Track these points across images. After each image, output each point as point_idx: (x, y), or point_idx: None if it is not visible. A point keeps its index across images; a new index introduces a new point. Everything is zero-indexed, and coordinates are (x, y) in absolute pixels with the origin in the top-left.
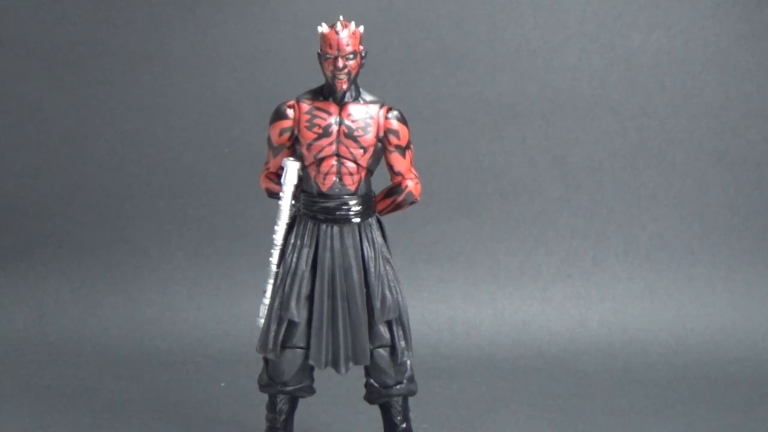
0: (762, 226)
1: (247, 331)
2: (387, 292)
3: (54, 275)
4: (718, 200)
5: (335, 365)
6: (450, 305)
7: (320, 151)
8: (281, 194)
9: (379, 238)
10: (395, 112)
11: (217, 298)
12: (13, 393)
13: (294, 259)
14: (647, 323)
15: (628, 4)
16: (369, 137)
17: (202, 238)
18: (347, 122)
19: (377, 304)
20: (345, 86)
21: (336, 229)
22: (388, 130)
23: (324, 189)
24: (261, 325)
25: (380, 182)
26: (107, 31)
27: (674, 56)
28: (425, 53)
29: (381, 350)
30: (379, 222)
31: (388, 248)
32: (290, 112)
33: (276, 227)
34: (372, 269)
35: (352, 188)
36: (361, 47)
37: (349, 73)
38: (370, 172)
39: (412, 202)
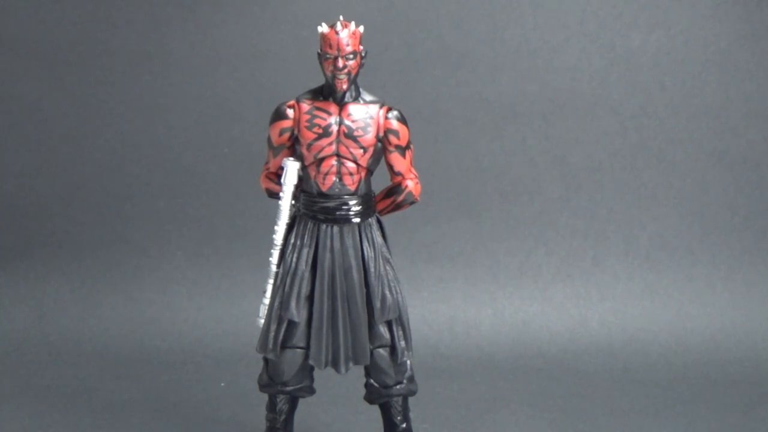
0: (762, 226)
1: (247, 331)
2: (387, 292)
3: (54, 275)
4: (718, 200)
5: (335, 365)
6: (450, 305)
7: (320, 151)
8: (281, 194)
9: (379, 238)
10: (395, 112)
11: (217, 298)
12: (13, 393)
13: (294, 259)
14: (647, 323)
15: (628, 4)
16: (369, 137)
17: (202, 238)
18: (347, 122)
19: (377, 304)
20: (345, 86)
21: (336, 229)
22: (388, 130)
23: (324, 189)
24: (261, 325)
25: (380, 182)
26: (107, 31)
27: (674, 56)
28: (425, 53)
29: (381, 350)
30: (379, 222)
31: (388, 248)
32: (290, 112)
33: (276, 227)
34: (372, 269)
35: (352, 188)
36: (361, 47)
37: (349, 73)
38: (370, 172)
39: (412, 202)
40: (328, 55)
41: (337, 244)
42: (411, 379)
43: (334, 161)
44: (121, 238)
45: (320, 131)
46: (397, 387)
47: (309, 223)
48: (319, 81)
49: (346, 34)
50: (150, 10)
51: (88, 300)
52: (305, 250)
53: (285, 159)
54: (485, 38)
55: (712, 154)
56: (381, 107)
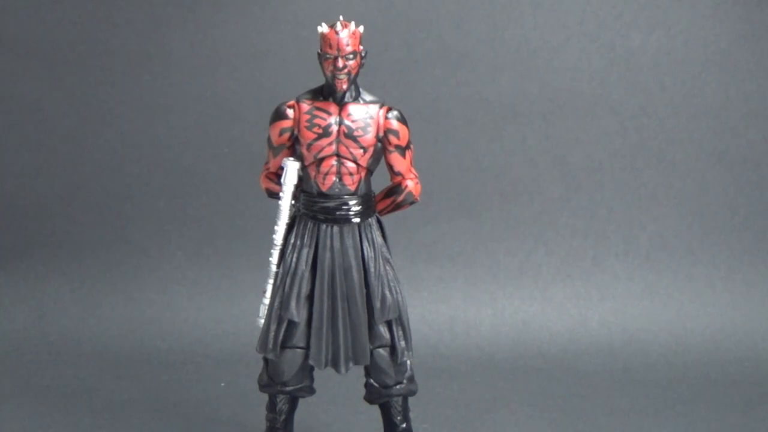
0: (762, 226)
1: (247, 331)
2: (387, 292)
3: (54, 275)
4: (718, 200)
5: (335, 365)
6: (450, 305)
7: (320, 151)
8: (281, 194)
9: (379, 238)
10: (395, 112)
11: (217, 298)
12: (13, 393)
13: (294, 259)
14: (647, 323)
15: (628, 4)
16: (369, 137)
17: (202, 238)
18: (347, 122)
19: (377, 304)
20: (345, 86)
21: (336, 229)
22: (388, 130)
23: (324, 189)
24: (261, 325)
25: (380, 182)
26: (107, 31)
27: (674, 56)
28: (425, 53)
29: (381, 350)
30: (379, 222)
31: (388, 248)
32: (290, 112)
33: (276, 227)
34: (372, 269)
35: (352, 188)
36: (361, 47)
37: (349, 73)
38: (370, 172)
39: (412, 202)
40: (328, 55)
41: (337, 244)
42: (411, 379)
43: (334, 161)
44: (121, 238)
45: (320, 131)
46: (397, 387)
47: (309, 223)
48: (319, 81)
49: (346, 34)
50: (150, 10)
51: (88, 300)
52: (305, 250)
53: (285, 159)
54: (485, 38)
55: (712, 154)
56: (381, 107)
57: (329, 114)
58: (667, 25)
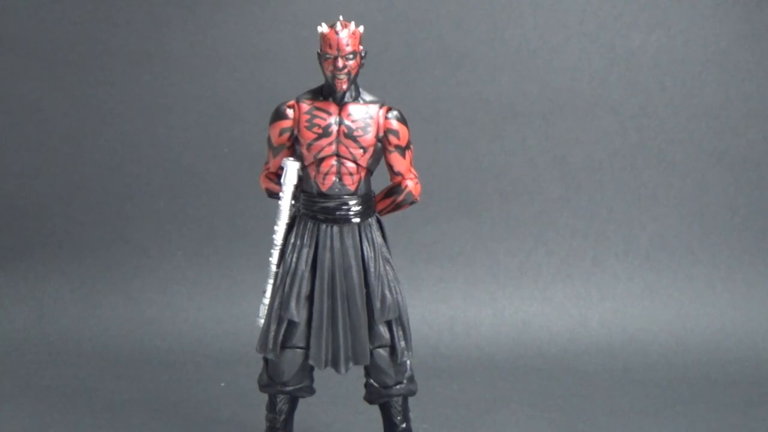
0: (762, 226)
1: (247, 331)
2: (387, 292)
3: (54, 275)
4: (718, 200)
5: (335, 365)
6: (450, 305)
7: (320, 151)
8: (281, 194)
9: (379, 238)
10: (395, 112)
11: (217, 298)
12: (13, 393)
13: (294, 259)
14: (647, 323)
15: (628, 4)
16: (369, 137)
17: (202, 238)
18: (347, 122)
19: (377, 304)
20: (345, 86)
21: (336, 229)
22: (387, 130)
23: (324, 189)
24: (261, 325)
25: (380, 182)
26: (107, 31)
27: (674, 56)
28: (425, 53)
29: (381, 350)
30: (379, 222)
31: (388, 248)
32: (290, 112)
33: (276, 227)
34: (372, 269)
35: (352, 188)
36: (361, 47)
37: (348, 73)
38: (370, 172)
39: (412, 202)
40: (328, 55)
41: (337, 244)
42: (411, 379)
43: (333, 161)
44: (121, 238)
45: (320, 131)
46: (397, 387)
47: (309, 223)
48: (319, 81)
49: (346, 34)
50: (150, 10)
51: (88, 300)
52: (305, 250)
53: (285, 159)
54: (485, 38)
55: (712, 154)
56: (381, 107)
57: (329, 114)
58: (667, 25)
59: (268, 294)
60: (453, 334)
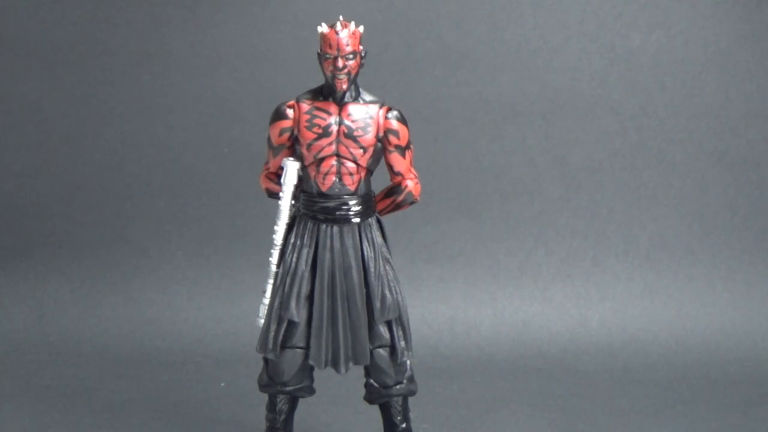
0: (762, 226)
1: (247, 331)
2: (387, 292)
3: (54, 275)
4: (718, 200)
5: (335, 365)
6: (450, 305)
7: (320, 151)
8: (281, 194)
9: (378, 238)
10: (395, 112)
11: (217, 298)
12: (13, 393)
13: (294, 259)
14: (647, 323)
15: (628, 4)
16: (369, 137)
17: (202, 238)
18: (347, 122)
19: (377, 304)
20: (345, 86)
21: (336, 229)
22: (387, 130)
23: (324, 189)
24: (261, 325)
25: (380, 182)
26: (107, 31)
27: (674, 56)
28: (425, 53)
29: (381, 350)
30: (379, 222)
31: (388, 248)
32: (290, 112)
33: (276, 227)
34: (372, 269)
35: (352, 188)
36: (361, 47)
37: (348, 73)
38: (369, 172)
39: (412, 202)
40: (327, 55)
41: (337, 244)
42: (411, 379)
43: (333, 161)
44: (121, 238)
45: (320, 131)
46: (397, 387)
47: (309, 223)
48: (319, 81)
49: (346, 34)
50: (150, 10)
51: (88, 300)
52: (305, 250)
53: (285, 159)
54: (485, 38)
55: (712, 154)
56: (381, 107)
57: (329, 114)
58: (667, 25)
59: (268, 294)
60: (453, 334)
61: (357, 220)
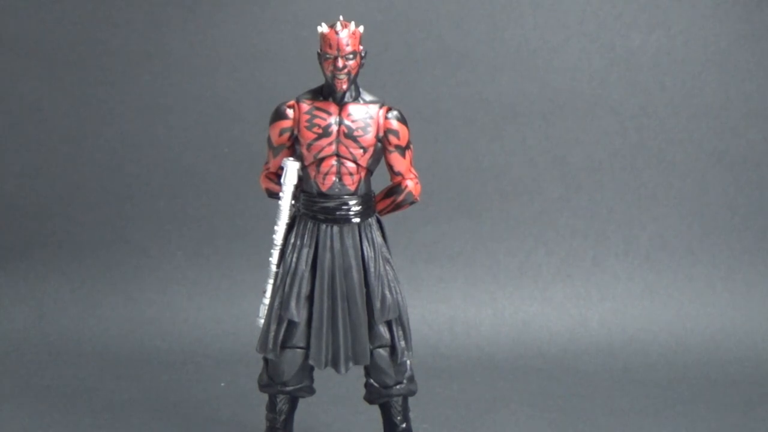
0: (762, 226)
1: (247, 331)
2: (387, 292)
3: (54, 275)
4: (718, 200)
5: (335, 365)
6: (450, 305)
7: (320, 151)
8: (281, 194)
9: (379, 238)
10: (395, 112)
11: (217, 298)
12: (13, 393)
13: (294, 259)
14: (647, 323)
15: (628, 4)
16: (369, 137)
17: (202, 238)
18: (347, 122)
19: (377, 304)
20: (345, 86)
21: (336, 229)
22: (387, 130)
23: (324, 189)
24: (261, 325)
25: (380, 182)
26: (107, 31)
27: (674, 56)
28: (425, 53)
29: (381, 350)
30: (379, 222)
31: (388, 248)
32: (290, 112)
33: (276, 227)
34: (372, 269)
35: (352, 188)
36: (361, 47)
37: (348, 73)
38: (370, 172)
39: (412, 202)
40: (327, 55)
41: (337, 244)
42: (411, 379)
43: (333, 161)
44: (121, 238)
45: (320, 131)
46: (397, 387)
47: (309, 223)
48: (319, 81)
49: (346, 34)
50: (150, 10)
51: (88, 300)
52: (305, 250)
53: (285, 159)
54: (485, 38)
55: (712, 154)
56: (381, 107)
57: (329, 114)
58: (667, 25)
59: (268, 294)
60: (453, 334)
61: (357, 220)
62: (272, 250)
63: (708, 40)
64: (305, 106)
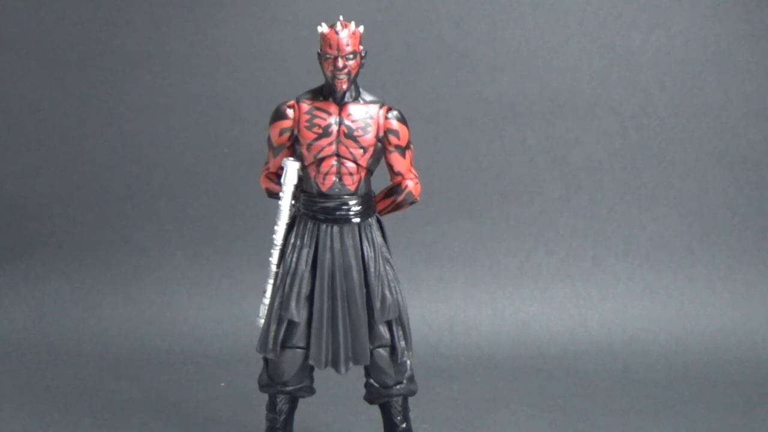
0: (762, 226)
1: (247, 331)
2: (387, 292)
3: (54, 275)
4: (718, 200)
5: (335, 365)
6: (450, 305)
7: (320, 151)
8: (281, 194)
9: (379, 238)
10: (395, 112)
11: (217, 298)
12: (13, 393)
13: (294, 259)
14: (647, 323)
15: (628, 4)
16: (369, 137)
17: (202, 238)
18: (347, 122)
19: (377, 304)
20: (345, 86)
21: (336, 229)
22: (388, 130)
23: (324, 189)
24: (261, 325)
25: (380, 182)
26: (107, 31)
27: (674, 56)
28: (425, 53)
29: (381, 350)
30: (379, 222)
31: (388, 248)
32: (290, 112)
33: (276, 227)
34: (372, 269)
35: (352, 188)
36: (361, 47)
37: (349, 73)
38: (370, 172)
39: (412, 202)
40: (328, 55)
41: (337, 244)
42: (411, 379)
43: (334, 161)
44: (121, 238)
45: (320, 131)
46: (397, 387)
47: (309, 223)
48: (319, 81)
49: (346, 34)
50: (150, 10)
51: (88, 300)
52: (305, 250)
53: (285, 159)
54: (485, 38)
55: (712, 154)
56: (381, 107)
57: (329, 114)
58: (667, 25)
59: (268, 294)
60: (453, 334)
61: (357, 220)
62: (272, 250)
63: (708, 40)
64: (305, 106)
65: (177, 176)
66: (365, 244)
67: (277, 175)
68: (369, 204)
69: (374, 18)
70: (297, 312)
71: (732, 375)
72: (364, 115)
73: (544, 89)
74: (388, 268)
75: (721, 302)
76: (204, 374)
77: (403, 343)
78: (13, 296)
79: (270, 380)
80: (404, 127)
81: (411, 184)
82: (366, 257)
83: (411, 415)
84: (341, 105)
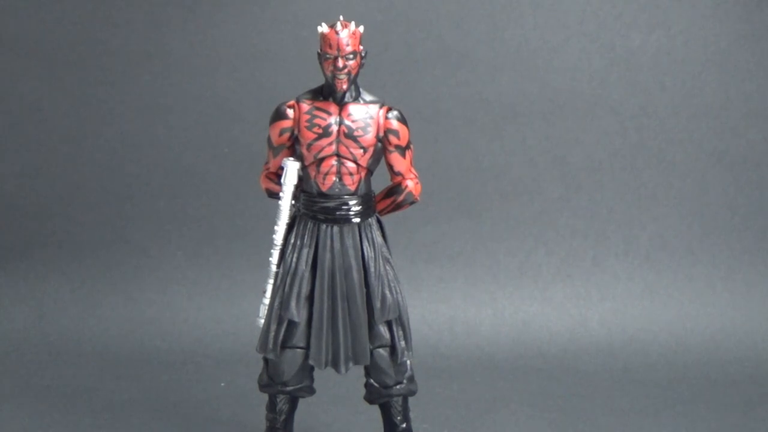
0: (762, 226)
1: (247, 331)
2: (387, 292)
3: (54, 275)
4: (718, 200)
5: (335, 365)
6: (450, 305)
7: (320, 151)
8: (281, 194)
9: (379, 238)
10: (395, 112)
11: (217, 298)
12: (13, 393)
13: (294, 259)
14: (647, 323)
15: (628, 4)
16: (369, 137)
17: (202, 238)
18: (347, 122)
19: (377, 304)
20: (345, 86)
21: (336, 229)
22: (388, 130)
23: (324, 189)
24: (261, 325)
25: (380, 182)
26: (107, 31)
27: (674, 56)
28: (425, 53)
29: (381, 350)
30: (379, 222)
31: (388, 248)
32: (290, 112)
33: (276, 227)
34: (372, 269)
35: (352, 188)
36: (361, 47)
37: (349, 73)
38: (370, 172)
39: (412, 202)
40: (328, 55)
41: (337, 244)
42: (411, 379)
43: (334, 161)
44: (121, 238)
45: (320, 131)
46: (397, 387)
47: (309, 223)
48: (319, 81)
49: (346, 34)
50: (150, 10)
51: (88, 300)
52: (305, 250)
53: (285, 159)
54: (485, 38)
55: (712, 154)
56: (381, 107)
57: (329, 114)
58: (667, 25)
59: (268, 294)
60: (453, 334)
61: (357, 220)
62: (272, 250)
63: (708, 40)
64: (305, 106)
65: (177, 176)
66: (365, 244)
67: (277, 175)
68: (369, 204)
69: (374, 18)
70: (297, 312)
71: (732, 375)
72: (364, 115)
73: (544, 89)
74: (388, 268)
75: (721, 302)
76: (204, 374)
77: (403, 343)
78: (13, 296)
79: (270, 380)
80: (404, 127)
81: (411, 184)
82: (366, 257)
83: (411, 415)
84: (341, 105)
